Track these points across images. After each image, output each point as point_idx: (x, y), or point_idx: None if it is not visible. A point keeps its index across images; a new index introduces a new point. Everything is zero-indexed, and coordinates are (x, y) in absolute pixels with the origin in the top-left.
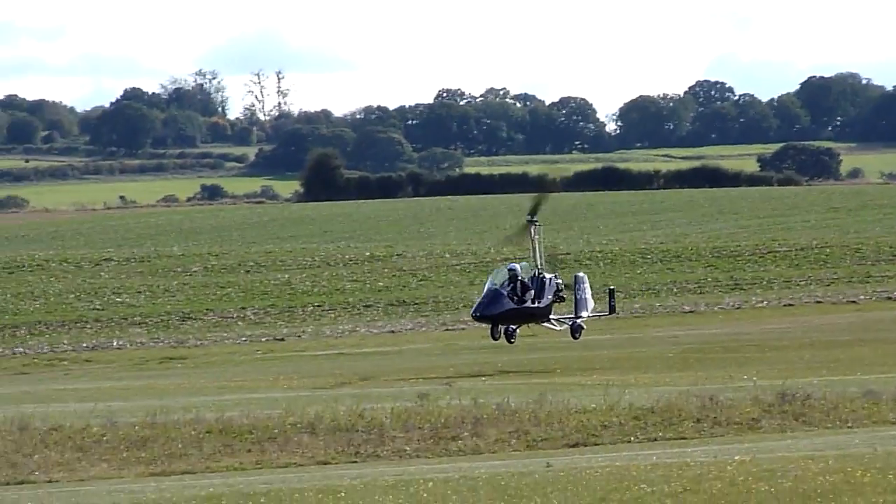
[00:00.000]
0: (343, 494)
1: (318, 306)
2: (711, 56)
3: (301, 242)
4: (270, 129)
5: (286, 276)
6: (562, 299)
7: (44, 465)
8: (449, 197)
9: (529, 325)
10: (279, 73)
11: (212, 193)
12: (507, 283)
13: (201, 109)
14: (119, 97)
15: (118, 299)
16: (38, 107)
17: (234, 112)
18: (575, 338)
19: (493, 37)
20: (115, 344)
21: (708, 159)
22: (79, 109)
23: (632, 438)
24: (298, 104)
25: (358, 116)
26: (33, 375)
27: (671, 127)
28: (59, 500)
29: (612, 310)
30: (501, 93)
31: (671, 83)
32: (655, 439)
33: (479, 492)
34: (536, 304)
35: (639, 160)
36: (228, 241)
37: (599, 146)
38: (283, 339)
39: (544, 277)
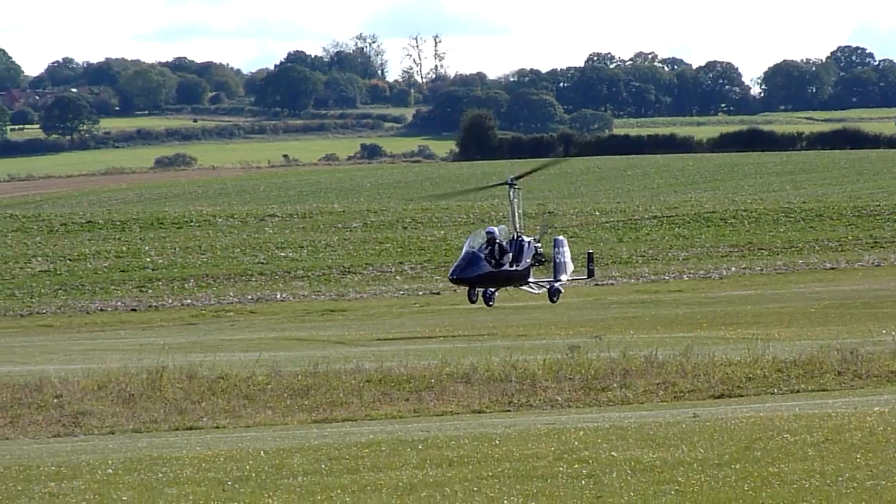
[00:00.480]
0: (497, 442)
1: None
2: (853, 23)
3: (456, 200)
4: (427, 91)
5: (442, 232)
6: (541, 262)
7: (211, 412)
8: (598, 157)
9: (507, 288)
10: (436, 37)
11: (371, 152)
12: (484, 246)
13: (361, 72)
14: (283, 60)
15: (281, 254)
16: (206, 69)
17: (393, 75)
18: (553, 301)
19: (643, 1)
20: (278, 296)
21: (849, 122)
22: (245, 71)
23: (775, 390)
24: (454, 67)
25: (511, 79)
26: (201, 326)
27: (813, 90)
28: (226, 444)
29: (590, 274)
30: (650, 56)
31: (814, 48)
32: (798, 391)
33: (629, 440)
34: (514, 268)
35: (782, 122)
36: (386, 198)
37: (744, 109)
38: (438, 293)
39: (523, 241)
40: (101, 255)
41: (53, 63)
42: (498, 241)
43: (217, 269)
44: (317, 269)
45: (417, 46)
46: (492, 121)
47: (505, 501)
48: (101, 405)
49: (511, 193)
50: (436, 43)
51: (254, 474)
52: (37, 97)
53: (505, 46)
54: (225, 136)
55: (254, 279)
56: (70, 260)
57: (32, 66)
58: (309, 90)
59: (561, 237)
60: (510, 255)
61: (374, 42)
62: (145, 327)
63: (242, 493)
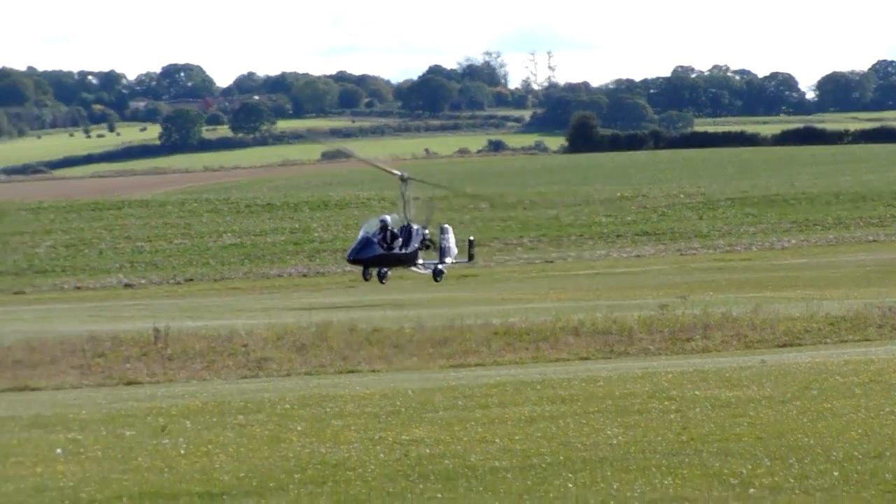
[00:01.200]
0: (601, 383)
1: (580, 236)
2: (891, 40)
3: (566, 185)
4: (542, 97)
5: (554, 211)
6: (427, 247)
7: (368, 359)
8: (682, 149)
9: (397, 268)
10: (549, 52)
11: (496, 147)
12: (377, 232)
13: (488, 81)
14: (424, 72)
15: None
16: (362, 80)
17: (514, 83)
18: (436, 280)
19: (718, 22)
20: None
21: (886, 121)
22: (393, 82)
23: (827, 340)
24: (564, 77)
25: (610, 86)
26: (358, 289)
27: (857, 95)
28: (381, 385)
29: (470, 258)
30: (724, 68)
31: (858, 61)
32: (846, 341)
33: (709, 381)
34: (403, 251)
35: (832, 121)
36: (509, 183)
37: (801, 110)
38: (552, 262)
39: (412, 228)
40: (278, 231)
41: (240, 76)
42: (390, 227)
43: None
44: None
45: (534, 60)
46: (595, 120)
47: (608, 432)
48: (279, 353)
49: (403, 187)
50: (549, 57)
51: (403, 409)
52: (227, 103)
53: (605, 59)
54: (377, 134)
55: None
56: (254, 235)
57: (223, 78)
58: (445, 96)
59: (446, 225)
60: (400, 239)
61: (498, 56)
62: (314, 290)
63: (394, 424)
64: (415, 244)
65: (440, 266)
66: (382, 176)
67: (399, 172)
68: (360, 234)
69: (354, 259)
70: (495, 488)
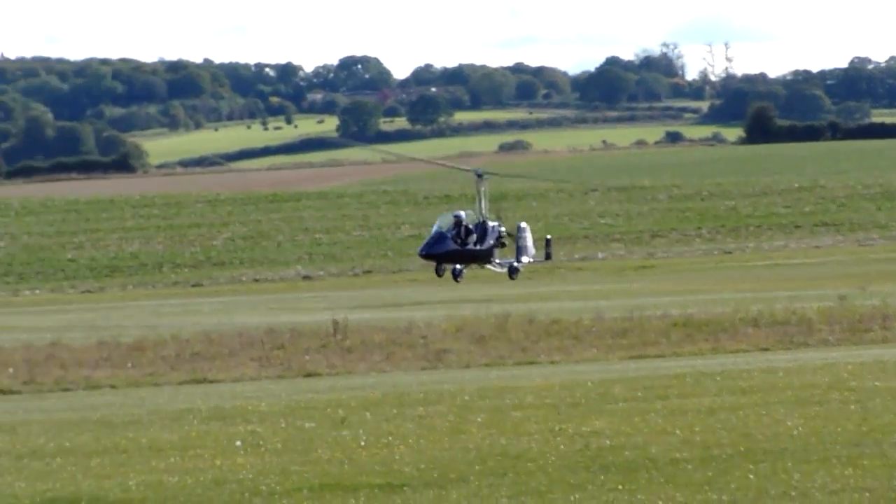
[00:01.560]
0: (781, 374)
1: (758, 227)
2: None
3: (744, 176)
4: (719, 88)
5: (732, 202)
6: (503, 245)
7: (547, 350)
8: (860, 140)
9: (472, 265)
10: (727, 44)
11: (673, 138)
12: (451, 227)
13: (665, 72)
14: (602, 63)
15: (601, 221)
16: (539, 71)
17: (691, 74)
18: (512, 278)
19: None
20: (599, 256)
21: None
22: (570, 73)
23: None
24: (741, 68)
25: (788, 77)
26: (536, 280)
27: None
28: (560, 376)
29: (547, 256)
30: None
31: None
32: None
33: (889, 372)
34: (478, 247)
35: None
36: (687, 174)
37: None
38: (730, 253)
39: (487, 224)
40: None
41: (417, 67)
42: (464, 223)
43: (550, 233)
44: (631, 233)
45: (711, 52)
46: (772, 111)
47: (788, 423)
48: (458, 344)
49: (478, 183)
50: (726, 48)
51: (583, 400)
52: (404, 95)
53: (782, 50)
54: (554, 125)
55: (579, 242)
56: (431, 227)
57: (400, 70)
58: (623, 87)
59: (523, 224)
60: (475, 235)
61: (675, 48)
62: (491, 281)
63: (574, 415)
64: (490, 241)
65: (516, 264)
66: (559, 168)
67: (473, 169)
68: (434, 228)
69: (427, 254)
70: (676, 480)
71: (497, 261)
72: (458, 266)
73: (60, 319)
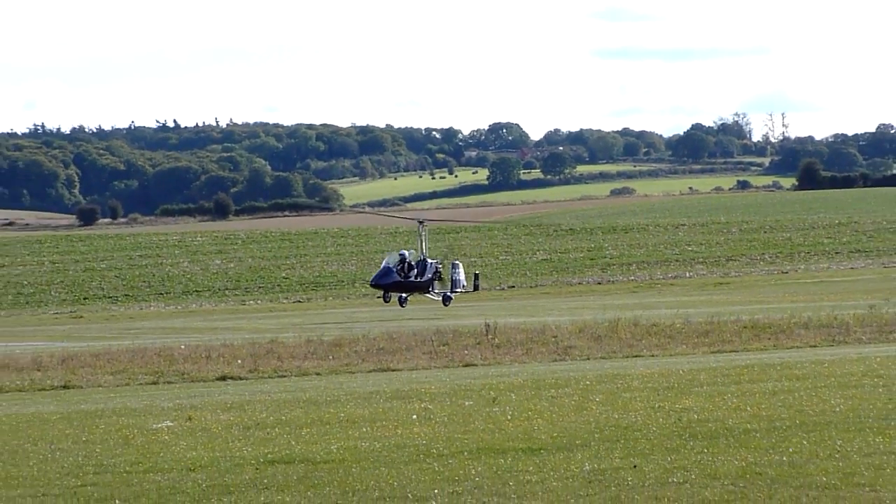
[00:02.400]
0: (826, 365)
1: (808, 253)
2: None
3: (796, 214)
4: (778, 147)
5: (788, 234)
6: (440, 278)
7: (648, 346)
8: (885, 187)
9: (413, 293)
10: (783, 114)
11: (743, 185)
12: (397, 263)
13: (736, 135)
14: (688, 128)
15: (688, 248)
16: (641, 134)
17: (756, 137)
18: (445, 305)
19: None
20: (686, 274)
21: None
22: (665, 136)
23: None
24: (794, 132)
25: (829, 139)
26: (640, 293)
27: None
28: (658, 366)
29: (476, 288)
30: None
31: None
32: None
33: None
34: (418, 280)
35: None
36: (753, 213)
37: None
38: (787, 273)
39: (426, 261)
40: (577, 249)
41: (549, 131)
42: (407, 260)
43: (650, 257)
44: (711, 256)
45: (772, 119)
46: (818, 165)
47: (832, 401)
48: (581, 342)
49: (420, 229)
50: (783, 117)
51: (676, 384)
52: (538, 153)
53: (826, 119)
54: (652, 176)
55: (671, 264)
56: (559, 252)
57: (536, 133)
58: (704, 147)
59: (457, 261)
60: (416, 270)
61: (745, 117)
62: (605, 294)
63: (669, 396)
64: (428, 275)
65: (450, 294)
66: (656, 208)
67: (415, 217)
68: (383, 264)
69: (376, 284)
70: (748, 445)
71: (435, 290)
72: (402, 294)
73: (277, 323)
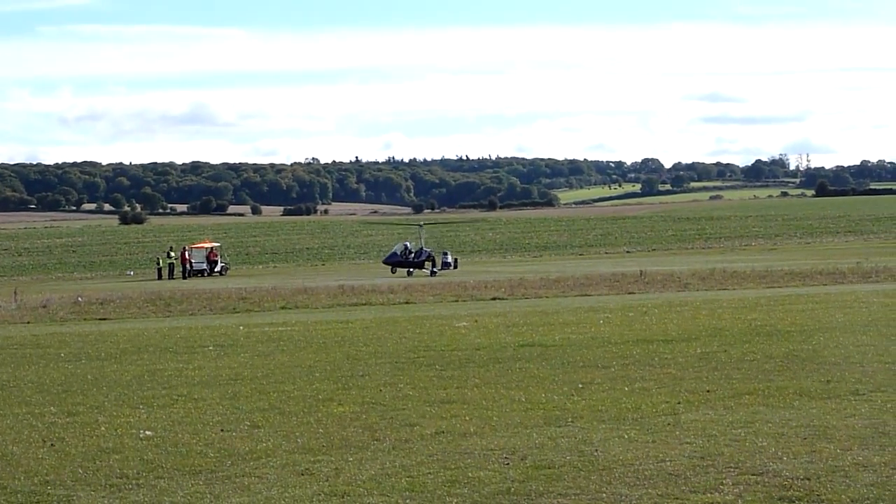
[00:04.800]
0: (832, 294)
1: (820, 232)
2: None
3: (814, 210)
4: (804, 173)
5: (809, 222)
6: (432, 260)
7: (730, 283)
8: (864, 196)
9: (412, 269)
10: (808, 155)
11: (784, 194)
12: (402, 250)
13: (780, 165)
14: (753, 161)
15: (753, 229)
16: (727, 165)
17: (792, 166)
18: (432, 276)
19: None
20: (752, 244)
21: None
22: (740, 165)
23: None
24: (814, 164)
25: (834, 168)
26: (724, 254)
27: None
28: (737, 295)
29: (455, 264)
30: None
31: None
32: None
33: None
34: (415, 260)
35: None
36: (790, 209)
37: None
38: (809, 243)
39: (422, 250)
40: (690, 229)
41: (675, 162)
42: (409, 248)
43: (732, 234)
44: (766, 234)
45: (800, 157)
46: (827, 183)
47: (836, 316)
48: (692, 280)
49: (420, 231)
50: (807, 156)
51: (747, 304)
52: (668, 175)
53: (832, 157)
54: (733, 189)
55: (743, 238)
56: (681, 230)
57: (667, 163)
58: (763, 172)
59: (447, 250)
60: (413, 254)
61: (785, 155)
62: (706, 254)
63: (743, 311)
64: (422, 257)
65: (436, 270)
66: (736, 206)
67: (416, 223)
68: (393, 249)
69: (386, 262)
70: (789, 339)
71: (427, 268)
72: (408, 270)
73: (527, 269)
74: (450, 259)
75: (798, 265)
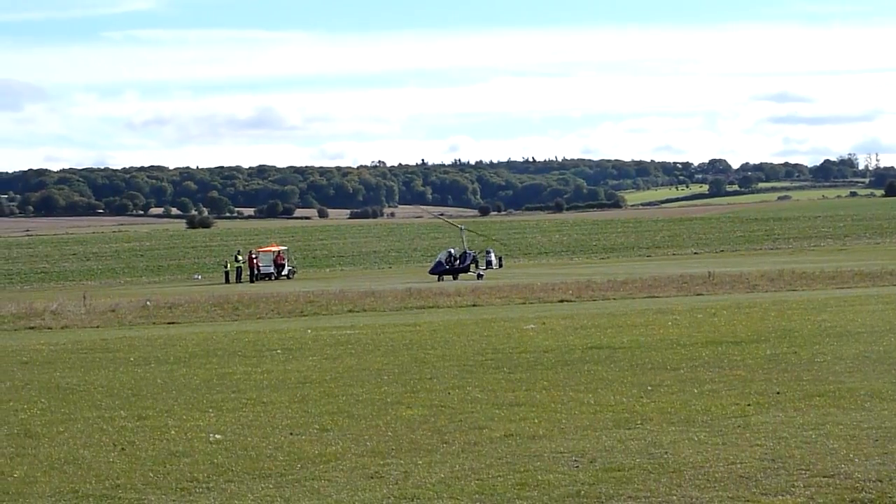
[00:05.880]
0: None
1: (890, 231)
2: None
3: (882, 210)
4: (873, 172)
5: (879, 222)
6: (476, 262)
7: (799, 284)
8: None
9: (458, 275)
10: (877, 154)
11: (853, 194)
12: (447, 257)
13: (849, 165)
14: (822, 161)
15: (823, 229)
16: (796, 165)
17: (861, 166)
18: (479, 278)
19: None
20: (821, 244)
21: None
22: (808, 165)
23: None
24: (883, 163)
25: None
26: (794, 255)
27: None
28: (806, 296)
29: (500, 263)
30: None
31: None
32: None
33: None
34: (460, 266)
35: None
36: (859, 209)
37: None
38: (878, 244)
39: (466, 254)
40: (758, 230)
41: (743, 163)
42: (454, 254)
43: (800, 234)
44: (834, 234)
45: (869, 157)
46: None
47: None
48: (761, 281)
49: (462, 233)
50: (876, 156)
51: (816, 306)
52: (736, 176)
53: None
54: (802, 189)
55: (812, 238)
56: (748, 231)
57: (735, 164)
58: (832, 172)
59: (490, 248)
60: (458, 260)
61: (854, 155)
62: (774, 255)
63: (813, 312)
64: (467, 261)
65: (482, 272)
66: (805, 207)
67: (459, 225)
68: (438, 258)
69: (432, 272)
70: (858, 340)
71: (472, 272)
72: (452, 277)
73: (593, 270)
74: (493, 258)
75: (867, 266)
